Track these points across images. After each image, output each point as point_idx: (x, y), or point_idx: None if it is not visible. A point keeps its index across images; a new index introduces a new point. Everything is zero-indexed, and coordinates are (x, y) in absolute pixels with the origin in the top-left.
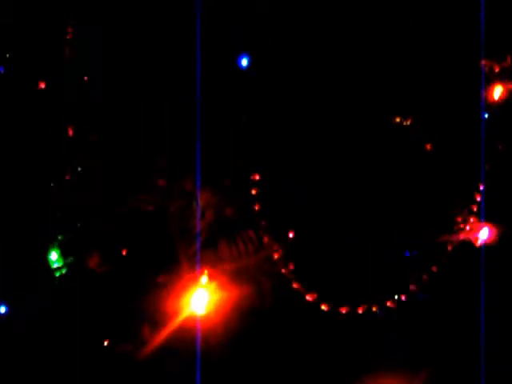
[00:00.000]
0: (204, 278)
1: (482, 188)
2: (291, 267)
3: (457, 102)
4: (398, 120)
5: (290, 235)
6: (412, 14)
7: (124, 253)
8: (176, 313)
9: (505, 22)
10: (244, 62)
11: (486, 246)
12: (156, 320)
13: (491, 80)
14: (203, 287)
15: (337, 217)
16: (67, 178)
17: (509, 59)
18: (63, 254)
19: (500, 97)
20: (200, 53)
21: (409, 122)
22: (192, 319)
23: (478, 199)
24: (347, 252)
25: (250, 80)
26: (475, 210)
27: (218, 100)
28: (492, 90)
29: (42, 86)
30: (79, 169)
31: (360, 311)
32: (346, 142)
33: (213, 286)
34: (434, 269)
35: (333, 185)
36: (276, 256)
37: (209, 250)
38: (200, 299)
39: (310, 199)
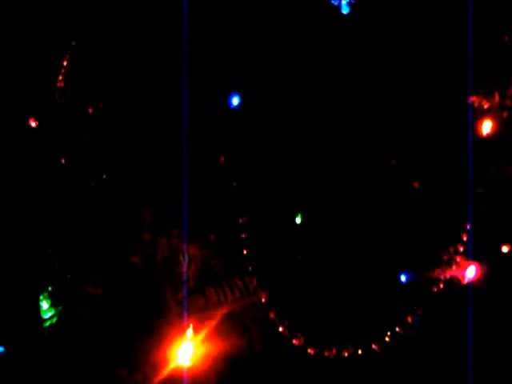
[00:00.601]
0: (191, 329)
1: (468, 227)
2: (278, 312)
3: (445, 140)
4: (387, 158)
5: (277, 280)
6: (401, 52)
7: (112, 301)
8: (164, 362)
9: (493, 59)
10: (235, 102)
11: (474, 285)
12: (144, 370)
13: (480, 116)
14: (190, 338)
15: (322, 261)
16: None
17: (497, 96)
18: (54, 304)
19: (489, 132)
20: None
21: (397, 160)
22: (180, 369)
23: (465, 239)
24: (333, 295)
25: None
26: (462, 249)
27: (203, 153)
28: (481, 126)
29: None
30: (70, 223)
31: (346, 354)
32: (335, 182)
33: (200, 335)
34: (421, 310)
35: (319, 229)
36: (263, 301)
37: (196, 297)
38: (187, 350)
39: (296, 245)
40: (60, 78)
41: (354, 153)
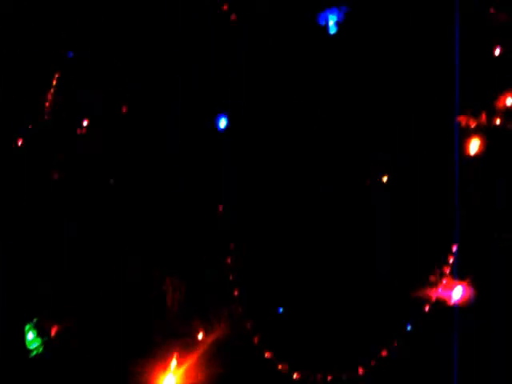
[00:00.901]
0: (175, 361)
1: (454, 249)
2: (263, 337)
3: (432, 161)
4: (373, 180)
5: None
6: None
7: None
8: None
9: (479, 79)
10: (222, 124)
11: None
12: None
13: (467, 135)
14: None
15: (308, 288)
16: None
17: (484, 116)
18: (39, 334)
19: (476, 152)
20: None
21: (384, 182)
22: None
23: (451, 261)
24: (319, 321)
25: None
26: (448, 271)
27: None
28: (468, 146)
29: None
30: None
31: (330, 379)
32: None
33: (184, 364)
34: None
35: (304, 256)
36: (248, 327)
37: (183, 326)
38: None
39: (282, 272)
40: (49, 97)
41: (340, 173)
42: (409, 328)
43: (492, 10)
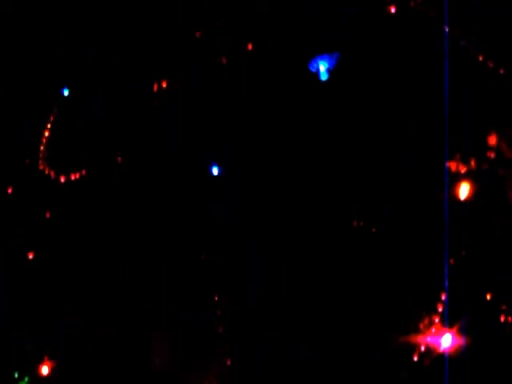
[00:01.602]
0: None
1: (444, 298)
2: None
3: (420, 208)
4: (362, 224)
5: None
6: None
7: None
8: None
9: (469, 124)
10: (215, 171)
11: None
12: None
13: (457, 180)
14: None
15: (299, 340)
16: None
17: (473, 162)
18: None
19: (466, 197)
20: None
21: (374, 227)
22: None
23: (440, 309)
24: (306, 364)
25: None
26: (437, 319)
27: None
28: (458, 191)
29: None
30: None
31: None
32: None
33: None
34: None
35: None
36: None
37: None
38: None
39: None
40: (42, 146)
41: (331, 220)
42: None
43: (480, 57)
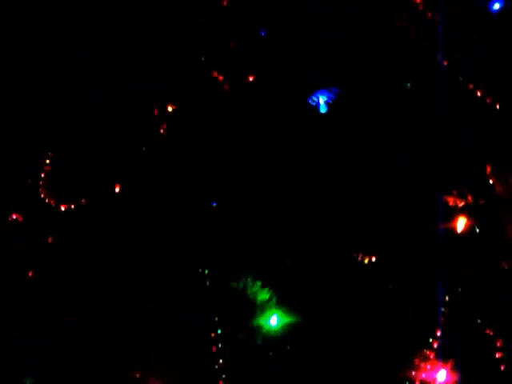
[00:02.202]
0: None
1: (438, 334)
2: None
3: (415, 242)
4: (360, 258)
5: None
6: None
7: None
8: None
9: (465, 159)
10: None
11: None
12: None
13: (454, 215)
14: None
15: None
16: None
17: (470, 197)
18: None
19: (462, 230)
20: None
21: (371, 261)
22: None
23: (435, 345)
24: None
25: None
26: (432, 355)
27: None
28: (455, 225)
29: None
30: None
31: None
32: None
33: None
34: None
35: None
36: None
37: None
38: None
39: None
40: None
41: (325, 256)
42: None
43: (471, 86)
